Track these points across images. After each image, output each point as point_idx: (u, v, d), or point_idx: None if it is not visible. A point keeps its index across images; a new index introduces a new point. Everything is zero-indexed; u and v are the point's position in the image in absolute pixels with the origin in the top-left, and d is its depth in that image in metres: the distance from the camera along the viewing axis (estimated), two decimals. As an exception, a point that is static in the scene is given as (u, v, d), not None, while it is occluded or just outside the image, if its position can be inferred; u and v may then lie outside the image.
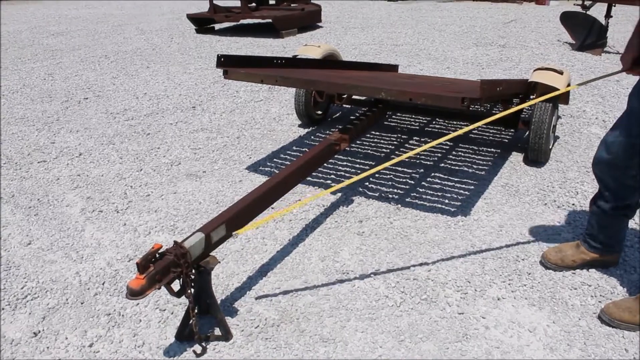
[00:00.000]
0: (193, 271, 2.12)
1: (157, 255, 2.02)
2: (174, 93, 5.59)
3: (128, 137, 4.44)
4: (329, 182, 3.47)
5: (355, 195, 3.28)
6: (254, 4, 8.95)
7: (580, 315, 2.24)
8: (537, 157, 3.54)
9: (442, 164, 3.65)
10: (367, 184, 3.42)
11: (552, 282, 2.45)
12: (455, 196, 3.23)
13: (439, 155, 3.78)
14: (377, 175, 3.52)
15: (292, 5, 9.30)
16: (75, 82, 6.26)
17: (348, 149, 3.92)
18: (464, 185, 3.36)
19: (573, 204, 3.12)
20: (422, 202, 3.17)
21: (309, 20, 8.80)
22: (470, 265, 2.60)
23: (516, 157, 3.74)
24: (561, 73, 3.49)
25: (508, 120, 3.73)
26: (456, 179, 3.44)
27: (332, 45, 4.40)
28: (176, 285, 2.02)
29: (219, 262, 2.21)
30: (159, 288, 1.96)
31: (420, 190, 3.32)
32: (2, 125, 4.88)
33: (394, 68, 5.10)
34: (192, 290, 2.12)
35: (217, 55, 3.23)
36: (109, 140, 4.40)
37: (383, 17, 10.11)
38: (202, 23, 8.96)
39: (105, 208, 3.33)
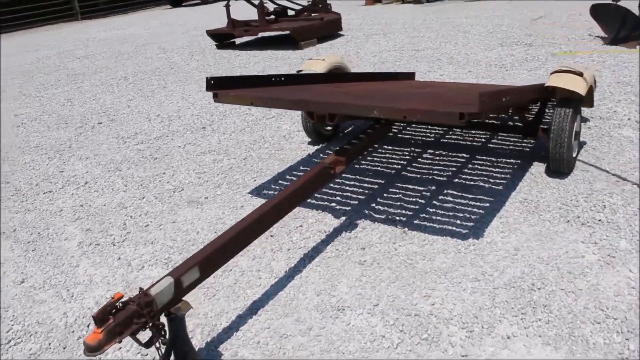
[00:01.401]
0: (164, 318, 1.97)
1: (121, 305, 1.87)
2: (187, 113, 5.49)
3: (135, 163, 4.34)
4: (333, 204, 3.26)
5: (360, 219, 3.06)
6: (272, 17, 8.83)
7: (603, 356, 1.97)
8: (559, 168, 3.25)
9: (457, 179, 3.39)
10: (374, 205, 3.20)
11: (572, 316, 2.17)
12: (468, 216, 2.98)
13: (454, 169, 3.52)
14: (385, 195, 3.29)
15: (312, 15, 9.14)
16: (92, 106, 6.24)
17: (357, 166, 3.71)
18: (478, 203, 3.09)
19: (599, 220, 2.82)
20: (431, 224, 2.93)
21: (329, 30, 8.62)
22: (480, 296, 2.34)
23: (538, 168, 3.45)
24: (581, 75, 3.19)
25: (527, 128, 3.45)
26: (470, 196, 3.17)
27: (339, 57, 4.19)
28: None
29: (192, 307, 2.04)
30: (120, 341, 1.80)
31: (431, 210, 3.07)
32: (16, 155, 4.86)
33: (410, 76, 4.86)
34: (165, 338, 1.96)
35: (207, 78, 3.08)
36: (116, 167, 4.31)
37: (407, 21, 9.84)
38: (222, 38, 8.90)
39: (102, 241, 3.22)
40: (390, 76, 4.64)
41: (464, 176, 3.42)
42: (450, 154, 3.76)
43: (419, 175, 3.48)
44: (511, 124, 4.02)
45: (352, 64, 6.74)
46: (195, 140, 4.67)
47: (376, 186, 3.41)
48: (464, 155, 3.71)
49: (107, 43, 11.39)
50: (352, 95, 3.08)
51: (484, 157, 3.65)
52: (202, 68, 7.56)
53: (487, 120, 3.64)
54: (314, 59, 4.01)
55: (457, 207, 3.07)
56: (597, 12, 6.56)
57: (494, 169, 3.47)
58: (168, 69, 7.80)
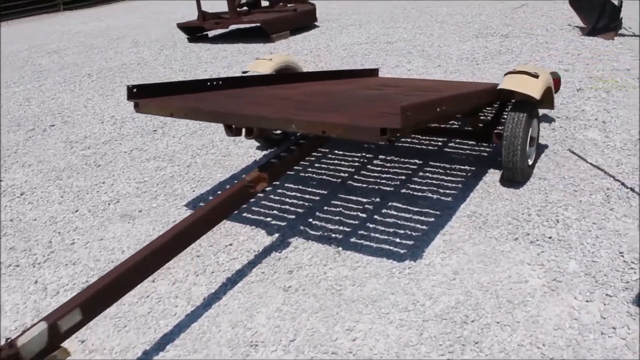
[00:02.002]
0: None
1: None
2: (141, 115, 5.23)
3: (77, 171, 4.09)
4: (269, 219, 3.02)
5: (294, 236, 2.83)
6: (245, 8, 8.53)
7: (529, 405, 1.74)
8: (513, 177, 3.02)
9: (404, 190, 3.15)
10: (311, 220, 2.96)
11: (503, 355, 1.95)
12: (410, 233, 2.74)
13: (403, 177, 3.29)
14: (325, 208, 3.06)
15: (288, 5, 8.84)
16: (49, 106, 5.99)
17: (302, 174, 3.47)
18: (422, 217, 2.86)
19: (550, 238, 2.59)
20: (368, 243, 2.70)
21: (303, 21, 8.32)
22: (406, 331, 2.12)
23: (493, 176, 3.21)
24: (537, 77, 2.94)
25: (480, 133, 3.21)
26: (416, 209, 2.94)
27: (288, 56, 3.94)
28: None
29: (70, 354, 1.81)
30: (-29, 405, 1.58)
31: (370, 226, 2.83)
32: (-44, 162, 4.62)
33: (372, 73, 4.61)
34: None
35: (127, 86, 2.83)
36: (57, 175, 4.07)
37: (387, 11, 9.55)
38: (194, 31, 8.60)
39: (23, 261, 2.99)
40: (350, 74, 4.38)
41: (413, 185, 3.19)
42: (402, 159, 3.52)
43: (365, 185, 3.25)
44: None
45: (321, 58, 6.48)
46: (143, 145, 4.42)
47: (317, 198, 3.17)
48: (417, 161, 3.47)
49: (82, 36, 11.09)
50: (289, 101, 2.83)
51: (437, 164, 3.41)
52: (168, 64, 7.28)
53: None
54: (261, 58, 3.75)
55: (399, 222, 2.84)
56: (576, 1, 6.28)
57: (445, 177, 3.24)
58: (135, 64, 7.53)
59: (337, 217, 2.95)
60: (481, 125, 3.20)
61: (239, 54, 7.31)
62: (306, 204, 3.13)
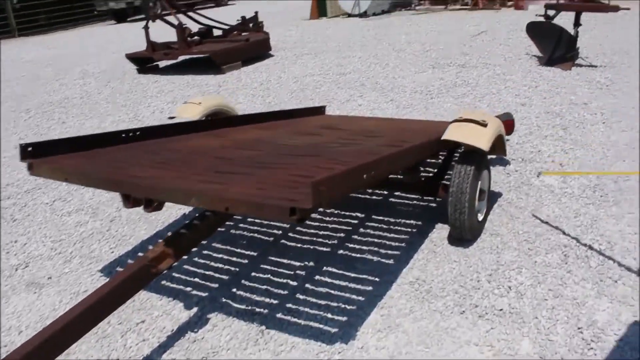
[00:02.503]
0: None
1: None
2: (72, 157, 4.83)
3: (-10, 226, 3.68)
4: (189, 288, 2.67)
5: (214, 311, 2.48)
6: (197, 38, 8.20)
7: None
8: (460, 236, 2.73)
9: (341, 250, 2.83)
10: (235, 289, 2.62)
11: None
12: (343, 305, 2.42)
13: (342, 234, 2.97)
14: (252, 274, 2.72)
15: (242, 35, 8.55)
16: (-24, 147, 5.54)
17: (232, 231, 3.13)
18: (359, 286, 2.54)
19: (501, 310, 2.30)
20: (295, 319, 2.36)
21: (256, 51, 8.04)
22: None
23: (440, 232, 2.92)
24: (485, 125, 2.67)
25: (424, 186, 2.92)
26: (352, 275, 2.62)
27: (220, 99, 3.63)
28: None
29: None
30: None
31: (300, 297, 2.50)
32: None
33: (318, 111, 4.32)
34: None
35: (20, 144, 2.47)
36: (-34, 232, 3.64)
37: (345, 37, 9.34)
38: (144, 62, 8.24)
39: None
40: (293, 113, 4.08)
41: (352, 245, 2.87)
42: (342, 212, 3.21)
43: (299, 245, 2.92)
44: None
45: (270, 91, 6.18)
46: (68, 195, 4.03)
47: (246, 261, 2.83)
48: (358, 214, 3.17)
49: (31, 65, 10.62)
50: (205, 158, 2.49)
51: (381, 217, 3.11)
52: (112, 98, 6.89)
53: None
54: (189, 102, 3.43)
55: (332, 292, 2.51)
56: (532, 31, 6.14)
57: (388, 235, 2.93)
58: (77, 98, 7.12)
59: (265, 286, 2.61)
60: (420, 180, 2.92)
61: (186, 87, 6.97)
62: (232, 268, 2.79)
